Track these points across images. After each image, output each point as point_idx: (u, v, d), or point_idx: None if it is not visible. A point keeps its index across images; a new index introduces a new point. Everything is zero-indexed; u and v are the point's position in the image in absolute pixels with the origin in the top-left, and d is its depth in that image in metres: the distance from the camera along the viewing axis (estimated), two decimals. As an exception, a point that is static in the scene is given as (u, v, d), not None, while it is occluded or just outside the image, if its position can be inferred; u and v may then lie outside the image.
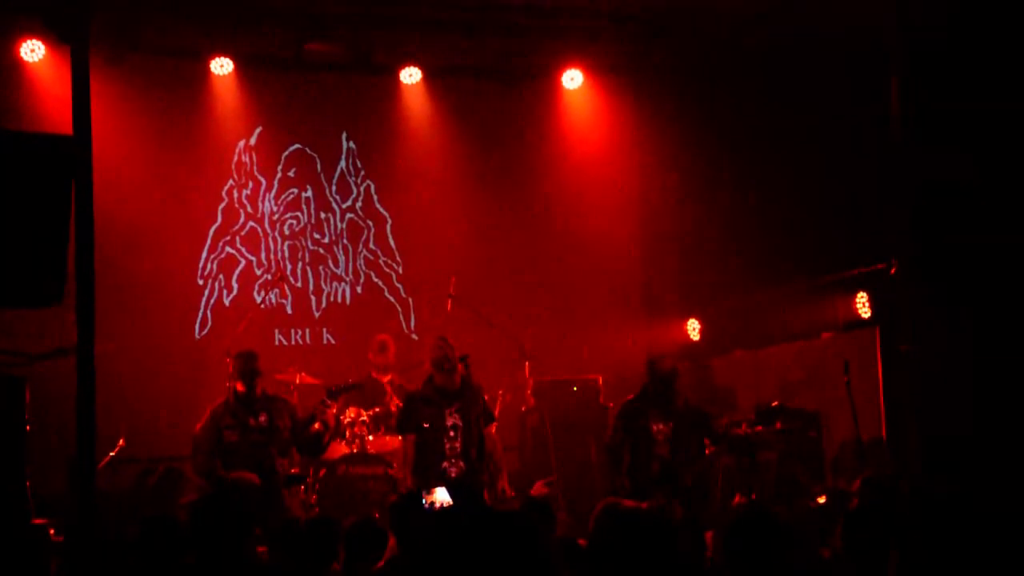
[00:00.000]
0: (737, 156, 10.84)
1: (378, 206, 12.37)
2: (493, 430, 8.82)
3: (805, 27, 9.61)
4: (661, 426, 8.74)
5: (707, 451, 9.15)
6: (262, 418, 8.60)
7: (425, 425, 8.50)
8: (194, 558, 4.87)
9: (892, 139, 8.22)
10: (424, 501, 7.81)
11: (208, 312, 11.65)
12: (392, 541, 5.92)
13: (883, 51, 8.32)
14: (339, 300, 12.19)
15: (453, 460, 8.49)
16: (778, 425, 9.39)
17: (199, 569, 4.88)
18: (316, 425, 8.72)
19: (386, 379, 10.12)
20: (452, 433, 8.50)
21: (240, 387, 8.57)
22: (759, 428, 9.39)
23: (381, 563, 5.63)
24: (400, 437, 9.32)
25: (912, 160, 8.09)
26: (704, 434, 8.98)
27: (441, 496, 7.97)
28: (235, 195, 11.89)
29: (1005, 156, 7.61)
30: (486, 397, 8.99)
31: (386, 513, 8.69)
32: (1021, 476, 7.08)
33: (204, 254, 11.70)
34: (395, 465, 9.14)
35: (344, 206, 12.29)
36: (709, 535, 6.11)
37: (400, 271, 12.35)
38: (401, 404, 9.65)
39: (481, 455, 8.60)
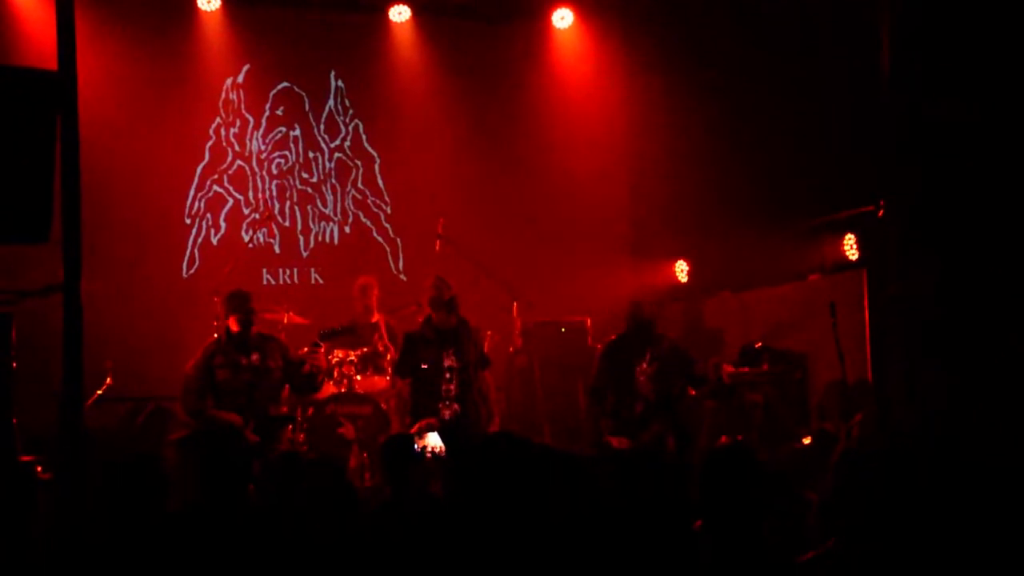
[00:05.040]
0: (726, 97, 10.79)
1: (367, 145, 12.31)
2: (488, 375, 8.85)
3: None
4: (645, 366, 8.76)
5: (691, 392, 9.19)
6: (254, 357, 8.58)
7: (424, 366, 8.53)
8: (177, 494, 4.88)
9: (881, 79, 8.19)
10: (416, 446, 7.84)
11: (195, 251, 11.62)
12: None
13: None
14: (327, 240, 12.16)
15: (448, 402, 8.51)
16: (764, 367, 9.44)
17: (185, 506, 4.89)
18: (307, 367, 8.70)
19: (372, 320, 10.12)
20: (448, 375, 8.52)
21: (235, 327, 8.53)
22: (745, 370, 9.43)
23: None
24: (389, 376, 9.37)
25: (901, 100, 8.06)
26: (687, 374, 9.01)
27: (433, 441, 8.00)
28: (222, 133, 11.82)
29: (996, 96, 7.59)
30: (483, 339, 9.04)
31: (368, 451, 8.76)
32: (1006, 419, 7.13)
33: (191, 192, 11.65)
34: (383, 404, 9.18)
35: (332, 145, 12.23)
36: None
37: (388, 211, 12.32)
38: (390, 344, 9.68)
39: (476, 398, 8.62)
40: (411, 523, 4.95)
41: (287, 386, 8.82)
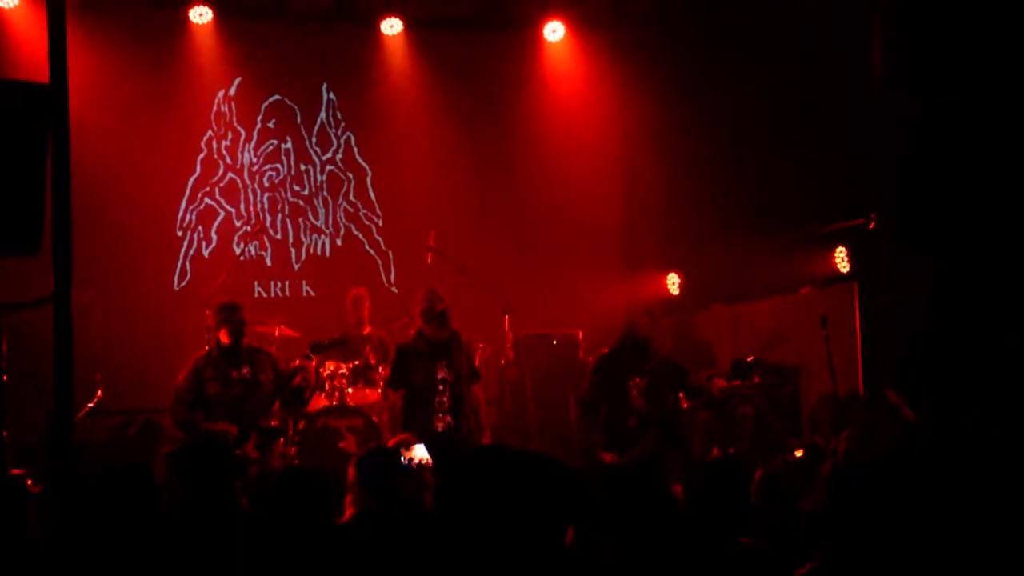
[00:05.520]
0: (717, 110, 10.81)
1: (358, 158, 12.32)
2: (478, 389, 8.84)
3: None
4: (637, 380, 8.74)
5: (683, 405, 9.18)
6: (244, 370, 8.55)
7: (417, 379, 8.51)
8: (169, 508, 4.87)
9: (872, 92, 8.22)
10: (403, 457, 7.79)
11: (187, 263, 11.61)
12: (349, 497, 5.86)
13: (867, 3, 8.31)
14: (319, 252, 12.16)
15: (441, 415, 8.49)
16: (756, 379, 9.44)
17: (177, 519, 4.88)
18: (297, 379, 8.69)
19: (364, 333, 10.12)
20: (441, 387, 8.51)
21: (225, 339, 8.50)
22: (736, 382, 9.43)
23: (346, 517, 5.61)
24: (380, 388, 9.35)
25: (892, 113, 8.09)
26: (680, 388, 8.99)
27: (419, 452, 7.96)
28: (214, 146, 11.82)
29: (985, 108, 7.62)
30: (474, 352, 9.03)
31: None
32: (998, 429, 7.14)
33: (183, 205, 11.65)
34: (375, 417, 9.16)
35: (324, 158, 12.23)
36: (678, 488, 6.14)
37: (380, 224, 12.32)
38: (380, 357, 9.66)
39: (467, 411, 8.61)
40: (399, 535, 4.93)
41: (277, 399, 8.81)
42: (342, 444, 8.90)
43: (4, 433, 6.16)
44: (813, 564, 3.82)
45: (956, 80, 7.74)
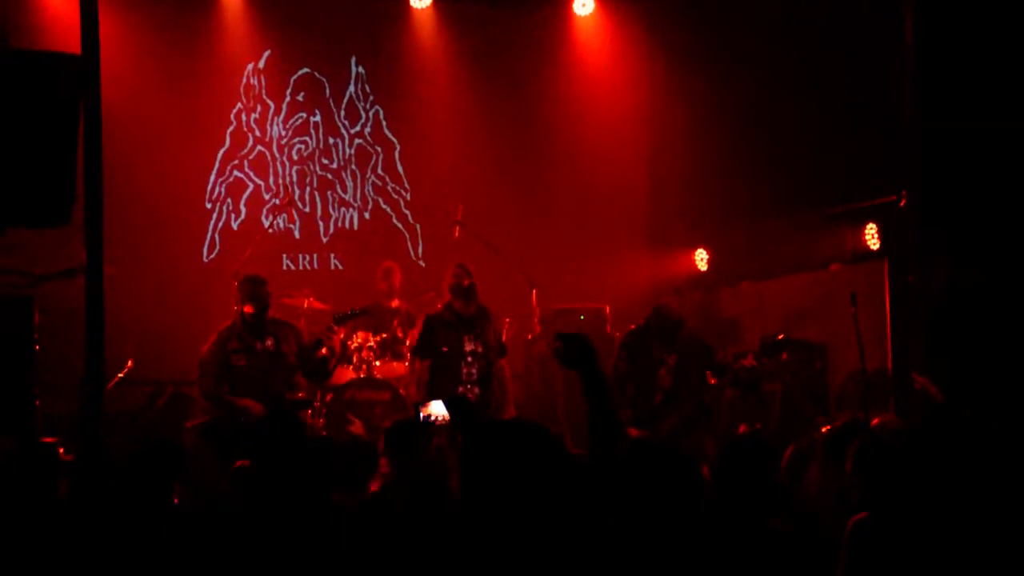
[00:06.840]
0: (747, 84, 10.74)
1: (387, 132, 12.32)
2: (504, 363, 8.87)
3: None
4: (665, 357, 8.73)
5: (711, 382, 9.16)
6: (268, 343, 8.60)
7: (444, 349, 8.56)
8: (196, 478, 4.91)
9: (904, 69, 8.14)
10: (420, 414, 7.77)
11: (216, 236, 11.65)
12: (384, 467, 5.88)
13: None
14: (347, 226, 12.18)
15: (469, 386, 8.53)
16: (783, 357, 9.40)
17: (202, 489, 4.92)
18: (323, 350, 8.72)
19: (392, 305, 10.15)
20: (470, 359, 8.55)
21: (249, 310, 8.55)
22: (764, 360, 9.39)
23: (373, 488, 5.63)
24: (408, 361, 9.38)
25: (924, 90, 8.02)
26: (707, 366, 8.97)
27: (436, 409, 7.94)
28: (243, 119, 11.84)
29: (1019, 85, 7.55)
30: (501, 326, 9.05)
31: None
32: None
33: (212, 177, 11.69)
34: (402, 390, 9.19)
35: (353, 131, 12.24)
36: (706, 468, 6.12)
37: (408, 197, 12.33)
38: (408, 330, 9.69)
39: (495, 384, 8.65)
40: (423, 507, 4.94)
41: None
42: (350, 428, 8.93)
43: (37, 402, 6.22)
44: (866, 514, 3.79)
45: (990, 61, 7.67)
